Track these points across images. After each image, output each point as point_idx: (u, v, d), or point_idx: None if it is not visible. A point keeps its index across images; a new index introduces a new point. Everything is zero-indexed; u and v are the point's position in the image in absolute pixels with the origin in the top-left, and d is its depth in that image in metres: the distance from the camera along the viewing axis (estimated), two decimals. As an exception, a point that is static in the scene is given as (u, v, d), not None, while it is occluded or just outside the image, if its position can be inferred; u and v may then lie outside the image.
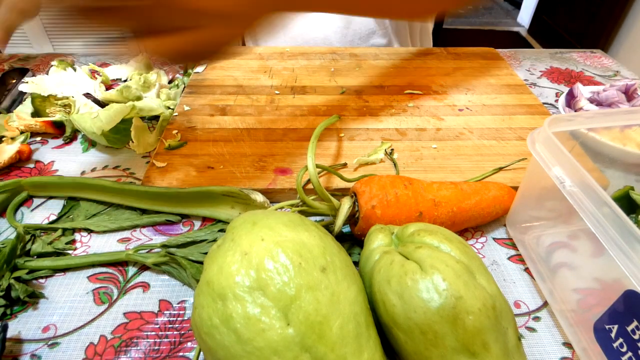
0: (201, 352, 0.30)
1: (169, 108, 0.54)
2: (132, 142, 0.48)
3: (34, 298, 0.34)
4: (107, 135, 0.46)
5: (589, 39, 1.88)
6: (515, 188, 0.39)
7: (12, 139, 0.48)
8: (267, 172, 0.44)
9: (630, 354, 0.25)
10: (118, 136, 0.48)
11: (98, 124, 0.46)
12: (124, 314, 0.33)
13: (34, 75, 0.61)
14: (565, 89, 0.63)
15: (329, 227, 0.37)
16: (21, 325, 0.32)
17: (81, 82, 0.57)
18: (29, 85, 0.54)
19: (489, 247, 0.39)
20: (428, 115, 0.54)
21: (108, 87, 0.60)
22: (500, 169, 0.45)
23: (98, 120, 0.47)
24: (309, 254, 0.25)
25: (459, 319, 0.24)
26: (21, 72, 0.61)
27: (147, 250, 0.37)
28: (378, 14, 0.55)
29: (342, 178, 0.42)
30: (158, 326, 0.32)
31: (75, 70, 0.60)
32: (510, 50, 0.75)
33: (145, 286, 0.35)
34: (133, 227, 0.40)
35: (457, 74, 0.64)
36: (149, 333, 0.32)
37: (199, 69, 0.63)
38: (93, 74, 0.61)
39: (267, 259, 0.24)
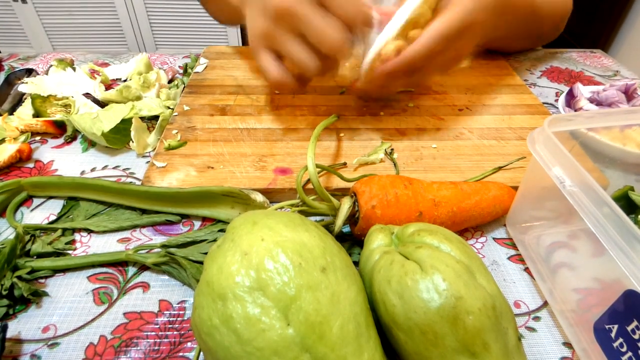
0: (201, 353, 0.30)
1: (168, 108, 0.54)
2: (132, 142, 0.48)
3: (37, 296, 0.34)
4: (106, 136, 0.46)
5: (589, 39, 1.88)
6: (515, 188, 0.39)
7: (15, 138, 0.48)
8: (267, 172, 0.44)
9: (630, 354, 0.25)
10: (118, 136, 0.48)
11: (98, 124, 0.46)
12: (124, 314, 0.33)
13: (38, 75, 0.61)
14: (565, 89, 0.63)
15: (329, 227, 0.37)
16: (21, 326, 0.32)
17: (81, 82, 0.57)
18: (29, 85, 0.54)
19: (489, 247, 0.39)
20: (428, 115, 0.54)
21: (107, 87, 0.60)
22: (500, 168, 0.45)
23: (98, 120, 0.47)
24: (309, 254, 0.25)
25: (459, 319, 0.24)
26: (27, 72, 0.61)
27: (147, 250, 0.37)
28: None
29: (342, 178, 0.41)
30: (158, 326, 0.32)
31: (75, 70, 0.60)
32: (510, 50, 0.75)
33: (145, 286, 0.35)
34: (133, 227, 0.40)
35: (457, 74, 0.64)
36: (149, 333, 0.32)
37: (199, 68, 0.63)
38: (93, 73, 0.61)
39: (267, 259, 0.24)
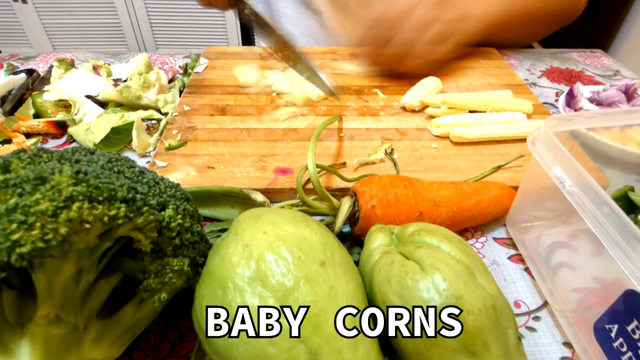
0: (201, 352, 0.30)
1: (162, 114, 0.54)
2: (133, 141, 0.48)
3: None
4: (107, 136, 0.47)
5: (589, 39, 1.88)
6: (516, 188, 0.39)
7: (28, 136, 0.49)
8: (267, 172, 0.44)
9: (630, 353, 0.25)
10: (119, 136, 0.48)
11: (90, 136, 0.47)
12: (124, 314, 0.33)
13: (39, 75, 0.61)
14: (566, 89, 0.63)
15: (329, 227, 0.37)
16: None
17: (94, 81, 0.57)
18: (52, 93, 0.54)
19: (489, 247, 0.39)
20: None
21: (115, 81, 0.60)
22: (499, 167, 0.45)
23: (90, 132, 0.47)
24: (309, 248, 0.26)
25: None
26: (28, 73, 0.61)
27: (147, 250, 0.37)
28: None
29: (342, 178, 0.42)
30: (158, 326, 0.32)
31: (78, 69, 0.60)
32: (510, 50, 0.75)
33: (146, 286, 0.35)
34: (133, 227, 0.40)
35: (457, 74, 0.64)
36: (149, 333, 0.32)
37: (199, 68, 0.63)
38: (96, 70, 0.61)
39: (267, 251, 0.25)
